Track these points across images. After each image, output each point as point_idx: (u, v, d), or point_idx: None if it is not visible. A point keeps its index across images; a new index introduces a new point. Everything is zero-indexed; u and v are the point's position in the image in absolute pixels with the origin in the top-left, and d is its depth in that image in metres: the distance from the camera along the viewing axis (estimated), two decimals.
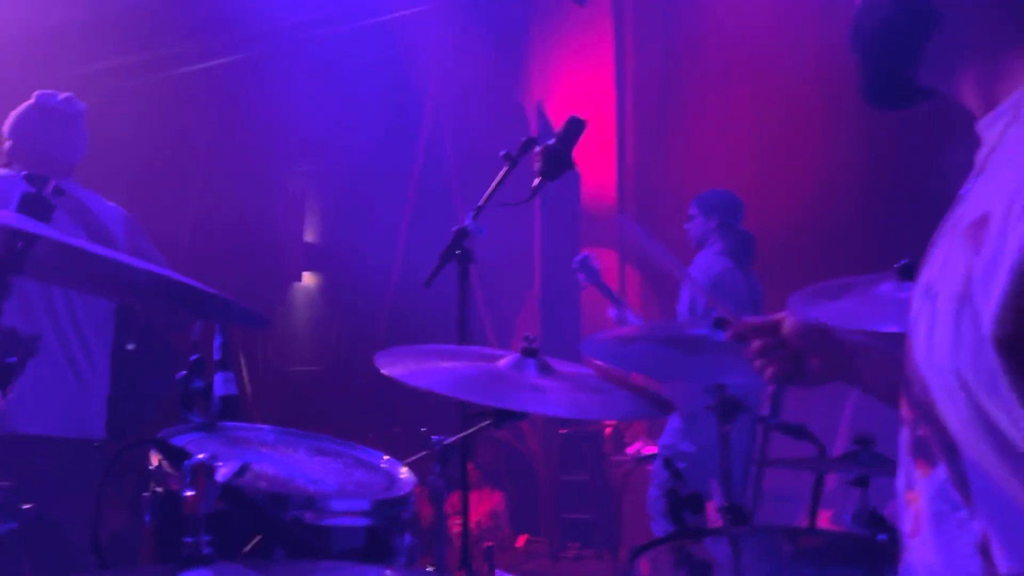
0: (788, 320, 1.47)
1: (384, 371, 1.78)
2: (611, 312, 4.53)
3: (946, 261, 0.92)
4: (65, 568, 2.70)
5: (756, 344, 1.50)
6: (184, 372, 1.61)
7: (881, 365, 1.34)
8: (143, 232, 3.14)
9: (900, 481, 1.02)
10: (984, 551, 0.88)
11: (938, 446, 0.92)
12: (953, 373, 0.86)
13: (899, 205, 5.38)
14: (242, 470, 1.21)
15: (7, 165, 2.96)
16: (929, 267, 0.97)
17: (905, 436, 1.01)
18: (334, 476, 1.62)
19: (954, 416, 0.88)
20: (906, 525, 1.01)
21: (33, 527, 2.62)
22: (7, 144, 2.98)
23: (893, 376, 1.30)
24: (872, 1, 1.07)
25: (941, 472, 0.93)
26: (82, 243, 1.41)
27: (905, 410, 1.01)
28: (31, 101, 2.99)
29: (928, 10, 0.99)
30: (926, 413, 0.93)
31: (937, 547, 0.94)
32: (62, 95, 3.00)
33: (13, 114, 3.00)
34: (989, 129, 0.97)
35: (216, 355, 1.67)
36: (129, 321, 3.13)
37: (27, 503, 2.50)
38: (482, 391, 1.82)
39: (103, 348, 3.02)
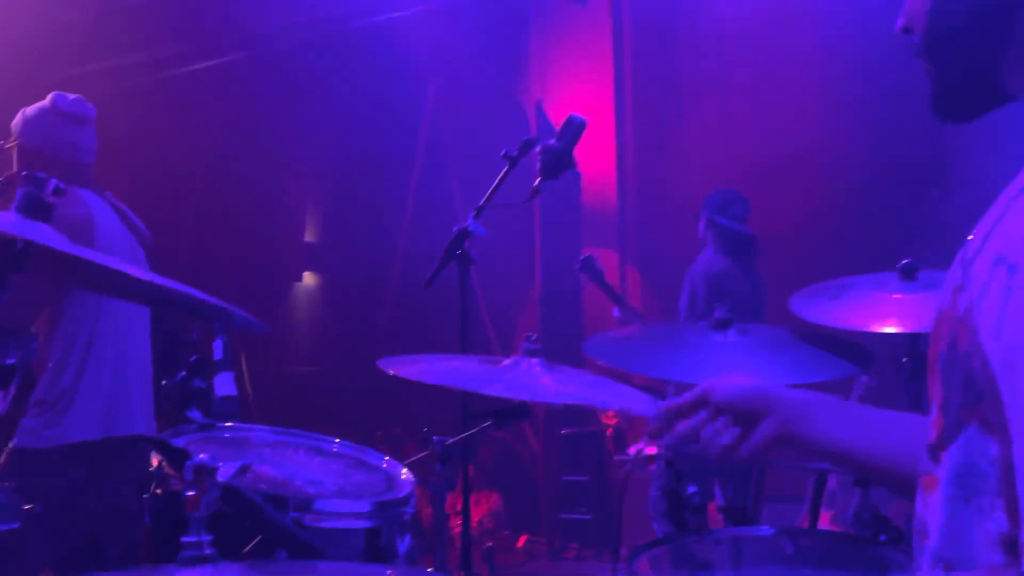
0: (716, 388, 1.29)
1: (390, 371, 1.78)
2: (616, 312, 4.52)
3: None
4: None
5: (684, 427, 1.29)
6: (184, 372, 1.61)
7: (837, 418, 1.22)
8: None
9: (920, 464, 0.99)
10: (1010, 545, 0.84)
11: (990, 428, 0.87)
12: None
13: (901, 204, 5.38)
14: (242, 471, 1.21)
15: (22, 167, 2.93)
16: (999, 237, 0.92)
17: (936, 418, 0.97)
18: (334, 477, 1.62)
19: (1018, 391, 0.83)
20: (920, 508, 0.98)
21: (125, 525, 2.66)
22: (20, 145, 2.93)
23: (850, 430, 1.21)
24: (944, 4, 0.98)
25: (963, 456, 0.90)
26: (82, 250, 1.41)
27: (938, 392, 0.97)
28: (45, 103, 2.96)
29: (1008, 6, 0.93)
30: (977, 392, 0.88)
31: (950, 534, 0.91)
32: (72, 96, 2.99)
33: (26, 114, 2.96)
34: None
35: (217, 355, 1.66)
36: None
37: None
38: (484, 384, 1.81)
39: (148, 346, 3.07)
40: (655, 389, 1.90)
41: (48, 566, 2.67)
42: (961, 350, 0.92)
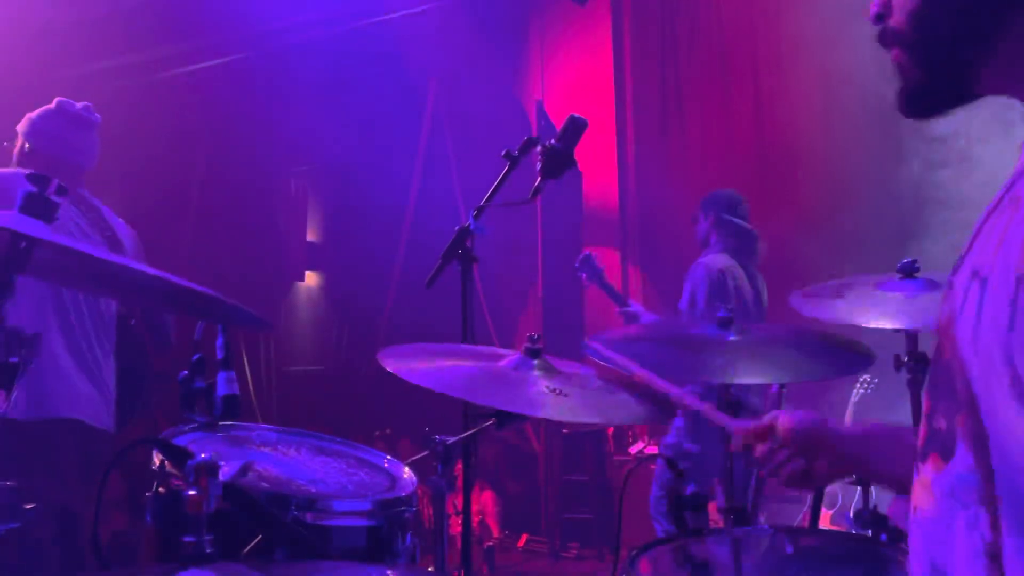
0: (780, 421, 1.43)
1: (389, 368, 1.78)
2: (619, 311, 4.51)
3: (1002, 242, 0.87)
4: (73, 557, 2.71)
5: (760, 450, 1.45)
6: (186, 372, 1.61)
7: (889, 448, 1.30)
8: (143, 251, 3.20)
9: (915, 475, 1.00)
10: (993, 556, 0.84)
11: (967, 438, 0.88)
12: (1003, 355, 0.82)
13: (902, 203, 5.38)
14: (244, 470, 1.21)
15: (20, 166, 2.98)
16: (975, 251, 0.93)
17: (922, 429, 0.98)
18: (336, 476, 1.62)
19: (995, 402, 0.84)
20: (913, 517, 0.98)
21: (49, 518, 2.62)
22: (23, 145, 3.01)
23: (905, 458, 1.27)
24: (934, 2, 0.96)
25: (954, 468, 0.90)
26: (91, 248, 1.42)
27: (925, 402, 0.98)
28: (51, 106, 3.03)
29: (998, 9, 0.91)
30: (958, 402, 0.89)
31: (941, 544, 0.91)
32: (81, 104, 3.06)
33: (30, 116, 3.03)
34: None
35: (218, 355, 1.67)
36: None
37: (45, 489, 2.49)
38: (485, 393, 1.81)
39: (110, 346, 3.05)
40: (654, 392, 1.90)
41: None
42: (945, 360, 0.93)
